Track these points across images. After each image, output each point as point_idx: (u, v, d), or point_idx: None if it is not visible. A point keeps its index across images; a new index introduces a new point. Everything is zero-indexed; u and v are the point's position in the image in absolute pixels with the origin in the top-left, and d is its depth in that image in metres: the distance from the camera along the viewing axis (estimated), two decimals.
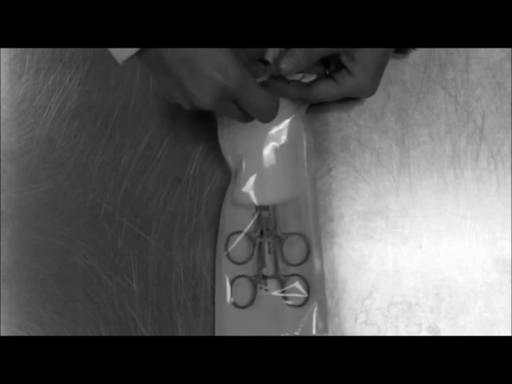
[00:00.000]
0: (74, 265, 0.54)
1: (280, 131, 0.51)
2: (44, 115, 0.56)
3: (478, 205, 0.54)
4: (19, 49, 0.57)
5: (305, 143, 0.52)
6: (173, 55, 0.41)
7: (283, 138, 0.51)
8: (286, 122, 0.51)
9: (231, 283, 0.52)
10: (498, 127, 0.54)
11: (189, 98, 0.42)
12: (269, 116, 0.45)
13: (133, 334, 0.52)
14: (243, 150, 0.52)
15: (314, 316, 0.51)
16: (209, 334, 0.52)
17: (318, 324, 0.51)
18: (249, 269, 0.52)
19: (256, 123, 0.46)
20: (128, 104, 0.56)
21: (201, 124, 0.54)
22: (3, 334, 0.53)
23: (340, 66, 0.48)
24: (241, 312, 0.52)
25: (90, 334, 0.53)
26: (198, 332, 0.52)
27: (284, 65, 0.46)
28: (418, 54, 0.55)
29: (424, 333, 0.52)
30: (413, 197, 0.54)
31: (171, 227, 0.54)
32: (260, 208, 0.52)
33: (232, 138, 0.52)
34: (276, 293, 0.52)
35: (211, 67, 0.40)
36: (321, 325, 0.51)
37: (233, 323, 0.52)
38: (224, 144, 0.52)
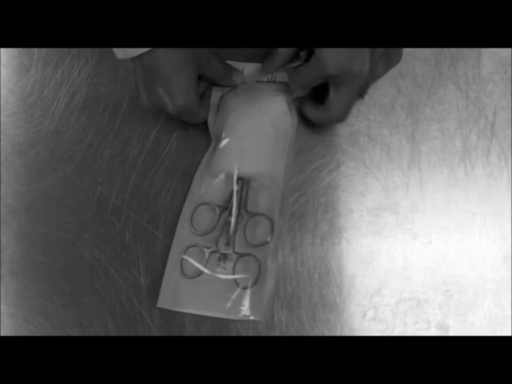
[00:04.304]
0: (81, 259, 0.53)
1: (266, 110, 0.52)
2: (52, 108, 0.56)
3: (488, 202, 0.53)
4: None
5: (288, 127, 0.52)
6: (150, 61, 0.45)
7: (268, 117, 0.51)
8: (274, 103, 0.52)
9: (185, 251, 0.52)
10: (509, 123, 0.54)
11: (139, 96, 0.48)
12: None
13: (140, 328, 0.52)
14: (228, 118, 0.52)
15: (264, 301, 0.51)
16: (215, 328, 0.52)
17: (266, 309, 0.51)
18: (206, 240, 0.52)
19: (248, 96, 0.52)
20: (136, 97, 0.54)
21: None
22: (9, 327, 0.53)
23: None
24: (188, 283, 0.51)
25: (96, 328, 0.52)
26: (205, 326, 0.52)
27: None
28: (429, 49, 0.55)
29: (433, 330, 0.52)
30: (423, 193, 0.53)
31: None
32: (232, 181, 0.51)
33: (222, 106, 0.52)
34: (231, 270, 0.51)
35: (165, 90, 0.45)
36: (269, 310, 0.51)
37: (179, 294, 0.51)
38: (214, 110, 0.53)
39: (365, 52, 0.46)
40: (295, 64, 0.50)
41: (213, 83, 0.53)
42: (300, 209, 0.53)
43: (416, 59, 0.54)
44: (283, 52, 0.49)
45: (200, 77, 0.49)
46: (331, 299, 0.52)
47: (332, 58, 0.45)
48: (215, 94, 0.53)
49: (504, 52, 0.55)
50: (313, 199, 0.53)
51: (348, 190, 0.54)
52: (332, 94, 0.48)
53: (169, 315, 0.52)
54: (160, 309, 0.52)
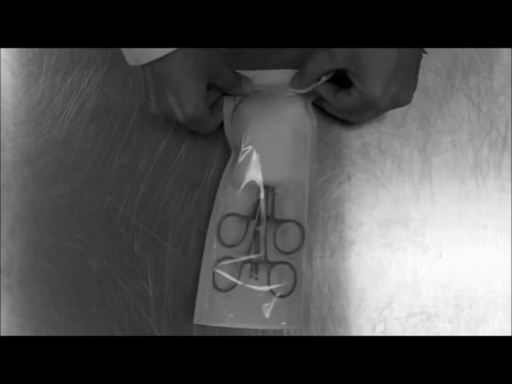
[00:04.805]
0: (89, 269, 0.53)
1: (284, 114, 0.51)
2: (61, 117, 0.56)
3: (499, 215, 0.53)
4: (37, 50, 0.57)
5: (309, 130, 0.52)
6: (160, 70, 0.44)
7: (287, 121, 0.51)
8: (291, 107, 0.52)
9: (216, 265, 0.51)
10: None
11: (148, 103, 0.48)
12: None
13: None
14: (247, 127, 0.51)
15: (302, 308, 0.50)
16: None
17: (304, 317, 0.50)
18: (237, 252, 0.51)
19: (263, 103, 0.52)
20: (146, 107, 0.55)
21: (219, 128, 0.53)
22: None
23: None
24: (222, 296, 0.51)
25: None
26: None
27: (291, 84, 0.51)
28: (441, 61, 0.54)
29: None
30: (434, 206, 0.53)
31: (188, 232, 0.53)
32: (257, 190, 0.51)
33: (238, 121, 0.52)
34: (265, 281, 0.50)
35: (174, 97, 0.45)
36: (306, 317, 0.51)
37: (214, 309, 0.51)
38: (229, 121, 0.52)
39: (410, 82, 0.46)
40: (321, 82, 0.50)
41: (224, 93, 0.53)
42: (310, 221, 0.53)
43: (428, 71, 0.54)
44: (314, 71, 0.49)
45: (209, 87, 0.49)
46: (341, 312, 0.52)
47: (382, 95, 0.45)
48: (227, 104, 0.53)
49: None
50: (323, 211, 0.53)
51: (358, 203, 0.53)
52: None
53: (177, 326, 0.52)
54: (169, 320, 0.52)
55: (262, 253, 0.51)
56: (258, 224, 0.51)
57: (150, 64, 0.44)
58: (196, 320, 0.51)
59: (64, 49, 0.57)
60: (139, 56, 0.44)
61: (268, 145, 0.51)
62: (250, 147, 0.51)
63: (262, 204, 0.51)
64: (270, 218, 0.51)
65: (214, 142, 0.54)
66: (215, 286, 0.51)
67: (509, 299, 0.52)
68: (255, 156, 0.51)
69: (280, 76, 0.52)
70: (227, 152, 0.54)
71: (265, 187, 0.51)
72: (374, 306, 0.52)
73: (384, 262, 0.52)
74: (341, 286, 0.52)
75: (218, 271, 0.51)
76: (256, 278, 0.51)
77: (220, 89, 0.51)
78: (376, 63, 0.44)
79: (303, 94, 0.52)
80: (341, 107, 0.50)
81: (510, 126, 0.54)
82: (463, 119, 0.54)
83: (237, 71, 0.52)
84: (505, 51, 0.55)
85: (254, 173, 0.50)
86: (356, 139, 0.54)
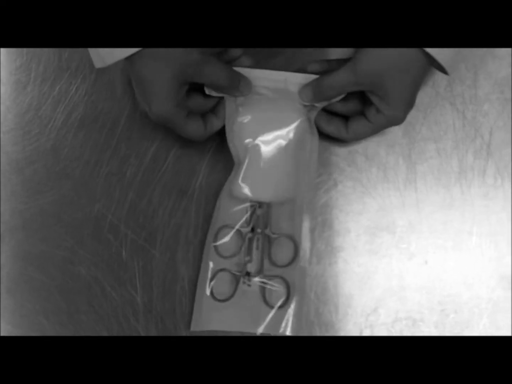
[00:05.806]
0: (78, 277, 0.53)
1: (288, 130, 0.51)
2: (49, 125, 0.56)
3: (484, 222, 0.53)
4: (24, 58, 0.57)
5: (309, 146, 0.52)
6: (140, 66, 0.44)
7: (290, 137, 0.51)
8: (296, 122, 0.51)
9: (214, 275, 0.52)
10: (505, 143, 0.54)
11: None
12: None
13: None
14: (249, 142, 0.51)
15: (291, 318, 0.51)
16: None
17: (294, 326, 0.51)
18: (234, 263, 0.52)
19: (266, 118, 0.51)
20: (134, 115, 0.55)
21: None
22: None
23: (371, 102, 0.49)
24: (219, 305, 0.51)
25: None
26: None
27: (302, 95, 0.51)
28: None
29: None
30: (419, 213, 0.53)
31: (176, 239, 0.53)
32: (255, 204, 0.51)
33: (240, 129, 0.51)
34: (257, 288, 0.51)
35: (142, 96, 0.46)
36: (296, 326, 0.51)
37: (210, 316, 0.51)
38: (231, 133, 0.51)
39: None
40: (337, 99, 0.50)
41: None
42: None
43: None
44: (335, 93, 0.49)
45: (204, 87, 0.49)
46: (328, 318, 0.52)
47: (403, 116, 0.49)
48: (229, 106, 0.51)
49: (501, 72, 0.55)
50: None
51: (345, 210, 0.54)
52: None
53: (165, 332, 0.52)
54: (157, 327, 0.52)
55: (257, 266, 0.51)
56: (254, 237, 0.51)
57: (128, 59, 0.44)
58: (193, 327, 0.51)
59: (52, 57, 0.57)
60: (105, 57, 0.44)
61: (268, 161, 0.50)
62: (249, 162, 0.50)
63: (259, 218, 0.51)
64: (267, 231, 0.51)
65: (202, 150, 0.55)
66: (212, 296, 0.51)
67: (494, 304, 0.52)
68: (255, 172, 0.50)
69: (280, 78, 0.51)
70: (216, 160, 0.54)
71: (263, 202, 0.51)
72: (361, 312, 0.52)
73: (370, 269, 0.53)
74: (328, 292, 0.53)
75: (214, 281, 0.52)
76: (249, 285, 0.51)
77: (217, 89, 0.50)
78: (401, 87, 0.47)
79: (309, 106, 0.51)
80: (359, 135, 0.52)
81: (494, 133, 0.54)
82: (448, 127, 0.55)
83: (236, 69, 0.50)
84: (490, 59, 0.56)
85: (254, 188, 0.50)
86: (342, 146, 0.54)
